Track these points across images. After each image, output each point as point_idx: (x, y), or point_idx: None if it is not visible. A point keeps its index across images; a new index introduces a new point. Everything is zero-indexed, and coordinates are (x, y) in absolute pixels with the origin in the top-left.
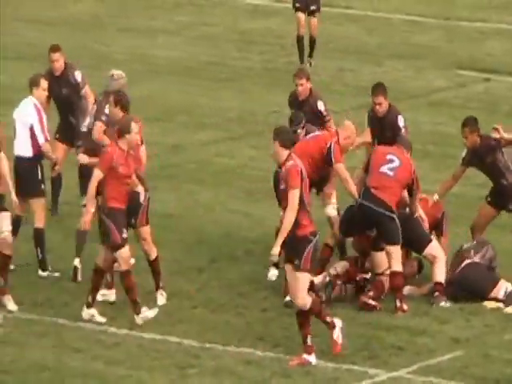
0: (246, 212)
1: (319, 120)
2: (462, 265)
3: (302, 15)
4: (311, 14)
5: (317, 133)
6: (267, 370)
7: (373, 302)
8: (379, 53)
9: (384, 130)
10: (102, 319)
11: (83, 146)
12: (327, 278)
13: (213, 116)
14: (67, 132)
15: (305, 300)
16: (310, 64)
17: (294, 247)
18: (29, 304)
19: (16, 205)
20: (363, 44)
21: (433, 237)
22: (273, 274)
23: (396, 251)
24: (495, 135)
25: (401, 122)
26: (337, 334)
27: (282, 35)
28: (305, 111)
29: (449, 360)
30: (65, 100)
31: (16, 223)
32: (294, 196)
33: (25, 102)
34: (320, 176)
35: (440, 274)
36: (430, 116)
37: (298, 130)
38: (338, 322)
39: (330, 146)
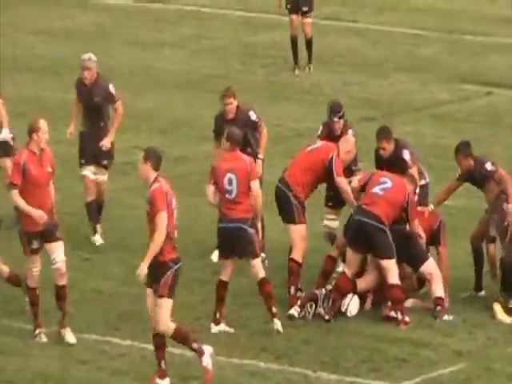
0: None
1: (255, 130)
2: None
3: (294, 16)
4: (304, 14)
5: (318, 144)
6: (271, 381)
7: (394, 314)
8: (384, 66)
9: (392, 166)
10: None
11: None
12: (323, 291)
13: None
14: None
15: (166, 326)
16: (309, 69)
17: (153, 272)
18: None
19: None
20: (368, 57)
21: (429, 254)
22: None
23: (391, 265)
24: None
25: (406, 155)
26: (206, 362)
27: (284, 48)
28: (238, 127)
29: (451, 373)
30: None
31: None
32: (162, 218)
33: None
34: (331, 188)
35: (439, 290)
36: (433, 129)
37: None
38: (206, 349)
39: (332, 158)
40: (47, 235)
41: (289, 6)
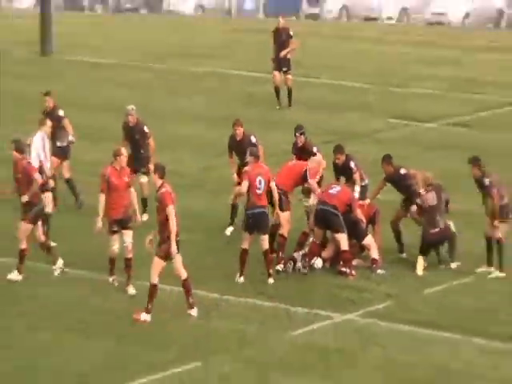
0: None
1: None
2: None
3: (276, 72)
4: (285, 73)
5: (295, 162)
6: (264, 313)
7: (345, 270)
8: (339, 107)
9: (343, 172)
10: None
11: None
12: (300, 254)
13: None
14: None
15: (182, 272)
16: (290, 107)
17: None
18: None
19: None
20: (329, 101)
21: (368, 232)
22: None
23: (343, 237)
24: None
25: (352, 165)
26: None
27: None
28: (245, 146)
29: (383, 308)
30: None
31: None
32: (171, 211)
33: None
34: (298, 184)
35: (374, 254)
36: (371, 149)
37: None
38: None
39: (306, 170)
40: (123, 223)
41: (273, 65)
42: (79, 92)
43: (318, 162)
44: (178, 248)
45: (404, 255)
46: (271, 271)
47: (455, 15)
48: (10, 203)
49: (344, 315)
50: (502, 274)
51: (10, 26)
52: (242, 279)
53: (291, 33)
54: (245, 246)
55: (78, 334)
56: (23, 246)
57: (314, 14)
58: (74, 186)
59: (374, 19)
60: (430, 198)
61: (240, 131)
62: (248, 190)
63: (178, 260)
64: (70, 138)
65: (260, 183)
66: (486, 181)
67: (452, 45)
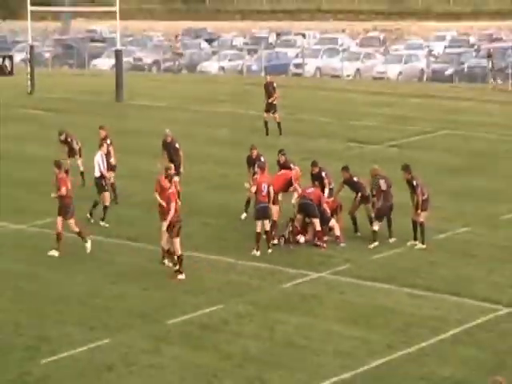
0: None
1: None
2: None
3: (266, 114)
4: (273, 113)
5: (283, 172)
6: (266, 273)
7: (319, 243)
8: (311, 134)
9: (318, 179)
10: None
11: None
12: (287, 232)
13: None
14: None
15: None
16: (280, 134)
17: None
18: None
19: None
20: (305, 131)
21: (332, 218)
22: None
23: (317, 221)
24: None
25: (323, 174)
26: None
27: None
28: (256, 162)
29: (344, 268)
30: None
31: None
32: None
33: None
34: (286, 189)
35: (337, 233)
36: (337, 164)
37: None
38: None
39: (291, 177)
40: None
41: (264, 108)
42: (141, 125)
43: (297, 172)
44: (176, 230)
45: (358, 234)
46: (270, 244)
47: (392, 73)
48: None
49: (318, 273)
50: (423, 246)
51: (96, 82)
52: (258, 253)
53: (275, 85)
54: (258, 230)
55: (138, 286)
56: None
57: (298, 73)
58: (115, 188)
59: (338, 76)
60: (383, 184)
61: (254, 152)
62: (256, 192)
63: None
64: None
65: (264, 188)
66: (414, 182)
67: (390, 93)
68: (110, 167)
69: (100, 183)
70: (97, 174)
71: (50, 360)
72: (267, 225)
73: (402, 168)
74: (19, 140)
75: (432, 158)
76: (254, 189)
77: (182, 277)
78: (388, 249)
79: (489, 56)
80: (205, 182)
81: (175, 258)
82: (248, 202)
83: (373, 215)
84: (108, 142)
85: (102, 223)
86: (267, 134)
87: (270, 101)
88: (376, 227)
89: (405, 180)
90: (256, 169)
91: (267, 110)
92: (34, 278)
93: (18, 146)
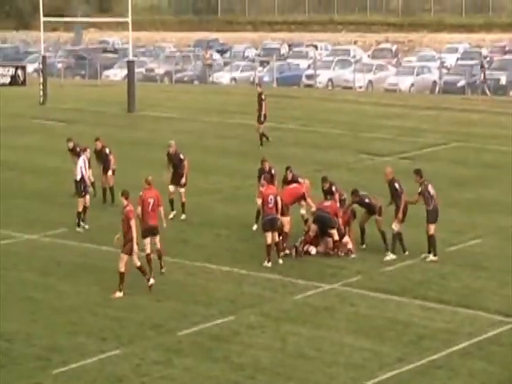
0: None
1: (273, 177)
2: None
3: (257, 124)
4: (261, 123)
5: (295, 185)
6: (277, 284)
7: (339, 252)
8: (326, 146)
9: (329, 193)
10: None
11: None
12: (299, 243)
13: None
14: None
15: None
16: (264, 144)
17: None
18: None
19: None
20: (320, 142)
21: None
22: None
23: (334, 231)
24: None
25: (334, 188)
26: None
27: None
28: (268, 174)
29: (356, 280)
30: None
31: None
32: (133, 223)
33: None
34: (298, 202)
35: (350, 246)
36: (348, 176)
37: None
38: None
39: (303, 192)
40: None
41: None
42: (152, 136)
43: (307, 186)
44: (128, 248)
45: (364, 246)
46: (281, 255)
47: (404, 85)
48: None
49: (329, 285)
50: (435, 258)
51: (108, 93)
52: (269, 264)
53: (263, 97)
54: (268, 241)
55: (150, 297)
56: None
57: (310, 84)
58: (113, 193)
59: (350, 88)
60: (431, 189)
61: (266, 164)
62: (262, 204)
63: (136, 256)
64: (113, 166)
65: (270, 199)
66: (420, 189)
67: (401, 105)
68: (111, 172)
69: (79, 187)
70: (78, 177)
71: (62, 370)
72: (276, 236)
73: (415, 171)
74: (31, 150)
75: (444, 170)
76: (259, 201)
77: (120, 294)
78: (399, 261)
79: (481, 67)
80: (216, 193)
81: (146, 270)
82: (259, 212)
83: (395, 227)
84: (107, 151)
85: (77, 229)
86: (261, 144)
87: (262, 111)
88: (432, 231)
89: (417, 182)
90: (262, 181)
91: (258, 122)
92: (47, 289)
93: (30, 156)
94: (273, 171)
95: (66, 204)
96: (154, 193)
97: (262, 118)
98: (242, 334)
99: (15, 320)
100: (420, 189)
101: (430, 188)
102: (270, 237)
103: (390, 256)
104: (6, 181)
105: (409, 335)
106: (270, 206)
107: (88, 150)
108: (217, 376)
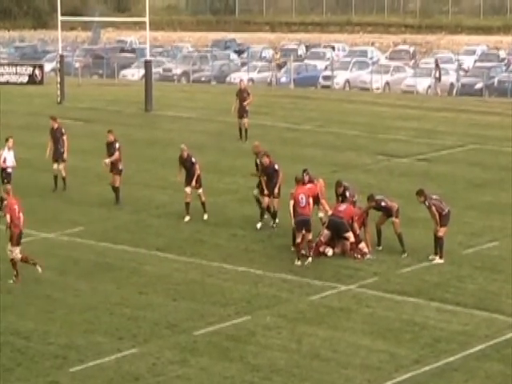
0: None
1: (275, 174)
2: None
3: (239, 120)
4: (243, 118)
5: (310, 185)
6: (294, 285)
7: (355, 254)
8: (343, 147)
9: (342, 197)
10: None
11: None
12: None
13: None
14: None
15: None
16: (246, 140)
17: None
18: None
19: None
20: (337, 143)
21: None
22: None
23: (350, 234)
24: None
25: (347, 192)
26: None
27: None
28: (271, 170)
29: (372, 281)
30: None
31: None
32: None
33: None
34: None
35: (365, 249)
36: (365, 177)
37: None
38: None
39: (318, 192)
40: None
41: (237, 115)
42: (169, 136)
43: (321, 186)
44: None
45: (380, 248)
46: (299, 255)
47: (421, 86)
48: None
49: (345, 286)
50: (441, 261)
51: (125, 92)
52: (299, 263)
53: (249, 91)
54: (298, 240)
55: (166, 297)
56: None
57: (327, 85)
58: (118, 191)
59: (367, 89)
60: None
61: (266, 160)
62: (294, 205)
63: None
64: (121, 166)
65: (302, 199)
66: (427, 203)
67: (418, 106)
68: (118, 171)
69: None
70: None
71: (78, 369)
72: (309, 236)
73: (416, 193)
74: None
75: (460, 172)
76: (290, 204)
77: (15, 280)
78: (416, 262)
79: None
80: (233, 193)
81: (30, 261)
82: (263, 210)
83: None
84: (116, 146)
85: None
86: (240, 138)
87: (244, 104)
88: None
89: (421, 203)
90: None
91: (239, 117)
92: (64, 287)
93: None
94: (276, 167)
95: (84, 203)
96: None
97: (245, 113)
98: (257, 334)
99: (32, 318)
100: (430, 211)
101: (435, 197)
102: (300, 237)
103: (437, 260)
104: (23, 179)
105: (425, 337)
106: (302, 205)
107: (11, 141)
108: (232, 376)
